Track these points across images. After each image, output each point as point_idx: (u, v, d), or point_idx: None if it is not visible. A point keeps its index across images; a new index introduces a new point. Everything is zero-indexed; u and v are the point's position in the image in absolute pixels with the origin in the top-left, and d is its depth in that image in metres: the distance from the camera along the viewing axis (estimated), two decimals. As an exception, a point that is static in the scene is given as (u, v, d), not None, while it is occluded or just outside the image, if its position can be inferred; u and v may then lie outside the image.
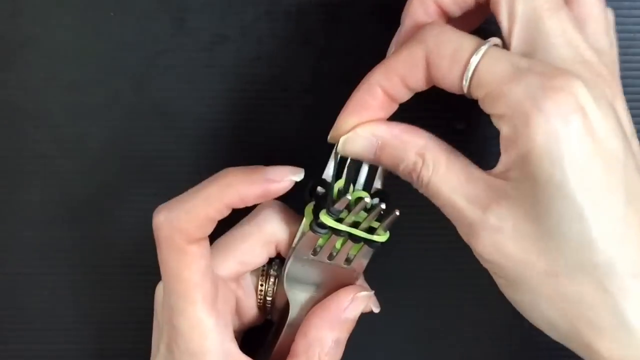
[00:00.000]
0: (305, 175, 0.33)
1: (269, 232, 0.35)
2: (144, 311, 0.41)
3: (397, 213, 0.33)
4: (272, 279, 0.36)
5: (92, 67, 0.40)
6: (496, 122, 0.30)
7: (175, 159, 0.41)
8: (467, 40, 0.30)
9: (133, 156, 0.41)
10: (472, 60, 0.30)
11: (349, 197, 0.33)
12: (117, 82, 0.41)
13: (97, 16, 0.40)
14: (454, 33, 0.31)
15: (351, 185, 0.34)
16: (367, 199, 0.33)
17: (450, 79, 0.31)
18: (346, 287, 0.35)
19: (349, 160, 0.34)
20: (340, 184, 0.34)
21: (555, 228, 0.29)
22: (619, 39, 0.40)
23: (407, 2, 0.34)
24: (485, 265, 0.31)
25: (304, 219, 0.35)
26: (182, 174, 0.41)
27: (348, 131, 0.33)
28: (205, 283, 0.33)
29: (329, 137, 0.34)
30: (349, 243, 0.34)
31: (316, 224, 0.34)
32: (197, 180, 0.41)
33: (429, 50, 0.31)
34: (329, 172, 0.35)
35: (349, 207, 0.33)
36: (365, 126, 0.33)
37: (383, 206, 0.33)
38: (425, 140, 0.32)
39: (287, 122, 0.41)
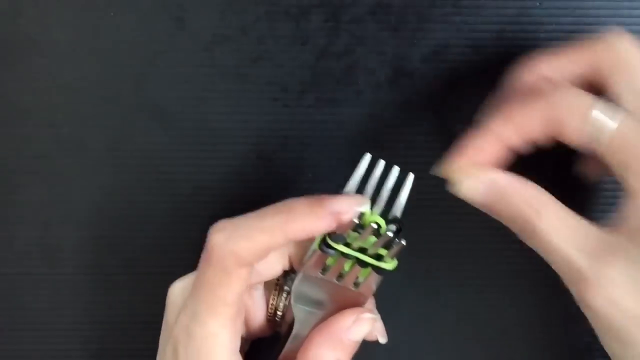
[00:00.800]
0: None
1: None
2: (144, 311, 0.41)
3: (404, 243, 0.33)
4: (284, 294, 0.36)
5: (92, 67, 0.40)
6: (619, 172, 0.32)
7: (175, 159, 0.41)
8: (599, 103, 0.32)
9: (133, 156, 0.41)
10: (608, 124, 0.31)
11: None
12: (117, 82, 0.41)
13: (97, 16, 0.40)
14: (583, 93, 0.32)
15: (369, 208, 0.34)
16: (374, 225, 0.33)
17: (576, 137, 0.32)
18: (351, 308, 0.35)
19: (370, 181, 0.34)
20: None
21: None
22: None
23: (516, 71, 0.36)
24: (589, 314, 0.31)
25: (317, 236, 0.35)
26: (182, 174, 0.41)
27: (460, 172, 0.34)
28: (235, 303, 0.33)
29: (438, 171, 0.35)
30: (358, 266, 0.34)
31: (324, 244, 0.33)
32: (197, 181, 0.41)
33: (557, 107, 0.32)
34: (348, 188, 0.34)
35: (358, 231, 0.33)
36: (486, 172, 0.34)
37: (390, 234, 0.33)
38: (537, 192, 0.33)
39: (287, 122, 0.41)
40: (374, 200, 0.34)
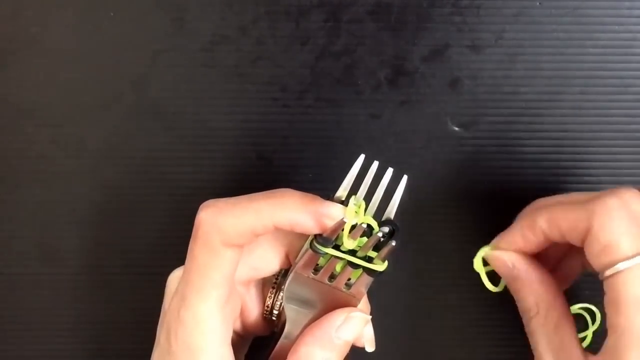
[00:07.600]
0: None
1: (283, 240, 0.35)
2: (143, 311, 0.41)
3: (394, 244, 0.33)
4: (282, 293, 0.36)
5: (92, 67, 0.40)
6: (607, 304, 0.33)
7: (175, 159, 0.41)
8: (627, 241, 0.32)
9: (133, 156, 0.41)
10: (619, 265, 0.32)
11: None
12: (117, 82, 0.41)
13: (97, 16, 0.40)
14: (622, 221, 0.33)
15: (363, 209, 0.34)
16: (364, 226, 0.33)
17: (591, 261, 0.33)
18: (342, 308, 0.35)
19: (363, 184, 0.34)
20: (357, 203, 0.34)
21: None
22: (619, 39, 0.40)
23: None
24: None
25: (310, 235, 0.34)
26: (182, 174, 0.41)
27: (493, 247, 0.37)
28: (223, 286, 0.33)
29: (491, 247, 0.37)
30: (349, 267, 0.34)
31: (316, 242, 0.33)
32: (197, 181, 0.41)
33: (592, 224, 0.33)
34: (342, 187, 0.34)
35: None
36: (510, 253, 0.36)
37: (380, 235, 0.33)
38: (546, 295, 0.35)
39: (287, 122, 0.41)
40: (367, 200, 0.34)
